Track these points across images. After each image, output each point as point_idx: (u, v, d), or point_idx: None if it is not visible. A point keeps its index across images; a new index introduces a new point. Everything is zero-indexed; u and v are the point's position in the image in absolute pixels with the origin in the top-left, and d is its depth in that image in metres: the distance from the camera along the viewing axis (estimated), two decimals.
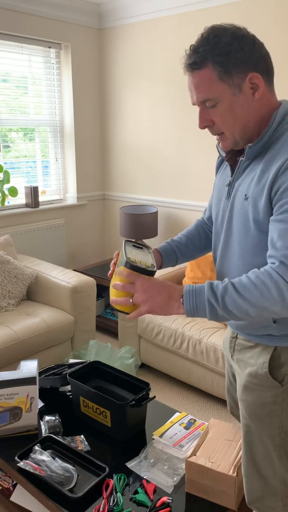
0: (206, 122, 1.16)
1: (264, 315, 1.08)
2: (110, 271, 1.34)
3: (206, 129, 1.19)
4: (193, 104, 1.17)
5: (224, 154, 1.27)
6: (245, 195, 1.14)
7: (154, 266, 1.21)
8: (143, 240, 3.64)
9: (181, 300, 1.11)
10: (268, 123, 1.13)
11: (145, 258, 1.25)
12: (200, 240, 1.50)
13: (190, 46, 1.12)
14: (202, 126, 1.18)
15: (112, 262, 1.34)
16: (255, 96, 1.11)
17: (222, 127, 1.15)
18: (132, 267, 1.16)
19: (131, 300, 1.15)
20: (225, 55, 1.07)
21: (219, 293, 1.07)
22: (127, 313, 1.19)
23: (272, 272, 1.05)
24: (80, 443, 1.70)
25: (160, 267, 1.44)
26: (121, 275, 1.16)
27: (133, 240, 1.35)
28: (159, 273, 3.02)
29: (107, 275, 3.51)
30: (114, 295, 1.20)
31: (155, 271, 1.19)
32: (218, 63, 1.08)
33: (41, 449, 1.58)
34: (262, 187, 1.09)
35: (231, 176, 1.23)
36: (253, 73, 1.09)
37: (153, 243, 3.84)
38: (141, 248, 1.33)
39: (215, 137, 1.20)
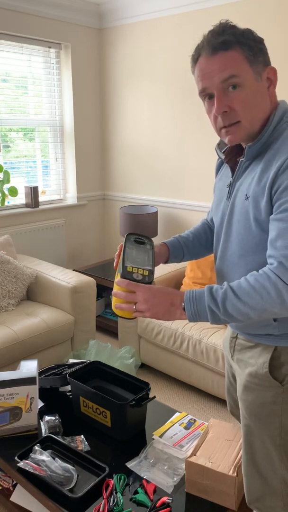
0: (224, 108, 1.09)
1: (264, 316, 1.09)
2: (115, 263, 1.34)
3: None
4: (203, 92, 1.11)
5: (223, 157, 1.27)
6: (246, 194, 1.14)
7: (152, 272, 1.21)
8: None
9: (183, 306, 1.13)
10: (267, 122, 1.14)
11: (143, 261, 1.25)
12: (206, 239, 1.51)
13: (209, 32, 1.09)
14: (220, 111, 1.10)
15: (116, 253, 1.35)
16: (270, 90, 1.12)
17: (242, 113, 1.10)
18: (128, 279, 1.18)
19: (134, 307, 1.17)
20: (253, 40, 1.08)
21: (219, 299, 1.08)
22: (129, 319, 1.21)
23: (271, 273, 1.06)
24: (80, 443, 1.70)
25: (166, 261, 1.44)
26: (121, 285, 1.17)
27: (136, 233, 1.35)
28: (160, 273, 3.02)
29: (107, 275, 3.52)
30: (117, 302, 1.21)
31: (152, 281, 1.20)
32: (247, 46, 1.07)
33: (41, 449, 1.58)
34: (262, 186, 1.09)
35: (231, 177, 1.23)
36: (271, 66, 1.12)
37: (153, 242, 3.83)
38: (143, 243, 1.32)
39: (223, 131, 1.14)
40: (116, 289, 1.20)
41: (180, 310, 1.13)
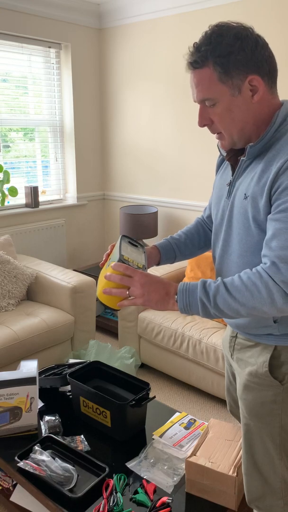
0: (205, 121, 1.17)
1: (254, 314, 1.10)
2: (102, 261, 1.35)
3: (206, 129, 1.20)
4: (194, 101, 1.18)
5: (225, 154, 1.27)
6: (245, 194, 1.15)
7: (145, 267, 1.23)
8: (143, 241, 3.64)
9: (176, 297, 1.14)
10: (269, 123, 1.14)
11: (138, 258, 1.26)
12: (199, 239, 1.51)
13: (194, 43, 1.12)
14: (201, 124, 1.18)
15: (106, 253, 1.36)
16: (254, 98, 1.11)
17: (220, 127, 1.16)
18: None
19: (127, 292, 1.17)
20: (226, 56, 1.07)
21: (211, 292, 1.10)
22: (113, 309, 1.21)
23: (263, 272, 1.07)
24: (80, 443, 1.70)
25: (158, 264, 1.46)
26: (118, 269, 1.16)
27: (130, 237, 1.36)
28: (160, 273, 3.02)
29: None
30: (108, 285, 1.19)
31: (145, 269, 1.22)
32: (219, 64, 1.08)
33: (41, 449, 1.58)
34: (262, 186, 1.10)
35: (232, 176, 1.23)
36: (253, 75, 1.09)
37: (153, 242, 3.84)
38: (136, 246, 1.34)
39: (215, 135, 1.21)
40: (110, 272, 1.19)
41: (173, 301, 1.15)
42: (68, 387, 2.00)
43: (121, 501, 1.43)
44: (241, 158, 1.18)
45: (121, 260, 1.18)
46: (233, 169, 1.24)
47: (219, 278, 1.13)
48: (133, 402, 1.69)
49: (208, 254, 2.86)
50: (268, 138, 1.12)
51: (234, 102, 1.11)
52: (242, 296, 1.08)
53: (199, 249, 1.52)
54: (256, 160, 1.15)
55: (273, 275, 1.05)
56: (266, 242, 1.09)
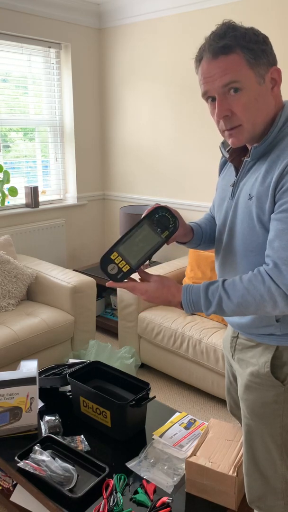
0: (225, 112, 1.09)
1: (258, 314, 1.13)
2: None
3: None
4: (205, 95, 1.12)
5: (227, 155, 1.27)
6: (249, 194, 1.14)
7: (133, 269, 1.21)
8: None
9: (181, 303, 1.18)
10: (272, 123, 1.13)
11: (138, 253, 1.21)
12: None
13: (211, 33, 1.09)
14: (221, 116, 1.10)
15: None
16: (274, 90, 1.11)
17: (243, 117, 1.10)
18: (103, 269, 1.21)
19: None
20: (254, 43, 1.06)
21: (214, 302, 1.13)
22: None
23: (265, 275, 1.08)
24: (80, 443, 1.70)
25: (183, 243, 1.43)
26: (111, 286, 1.22)
27: (168, 209, 1.27)
28: (161, 273, 3.02)
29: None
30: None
31: (124, 279, 1.21)
32: (248, 49, 1.06)
33: (41, 449, 1.58)
34: (266, 187, 1.10)
35: (235, 177, 1.23)
36: (275, 67, 1.10)
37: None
38: (163, 228, 1.23)
39: (226, 133, 1.14)
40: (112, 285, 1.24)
41: (179, 307, 1.20)
42: (68, 387, 2.00)
43: (121, 501, 1.43)
44: (245, 159, 1.17)
45: (104, 259, 1.19)
46: (237, 170, 1.23)
47: (219, 282, 1.14)
48: (133, 402, 1.69)
49: (208, 254, 2.86)
50: (272, 138, 1.12)
51: (260, 91, 1.09)
52: (244, 301, 1.10)
53: (213, 242, 1.50)
54: (259, 161, 1.15)
55: (276, 278, 1.06)
56: (269, 242, 1.10)
